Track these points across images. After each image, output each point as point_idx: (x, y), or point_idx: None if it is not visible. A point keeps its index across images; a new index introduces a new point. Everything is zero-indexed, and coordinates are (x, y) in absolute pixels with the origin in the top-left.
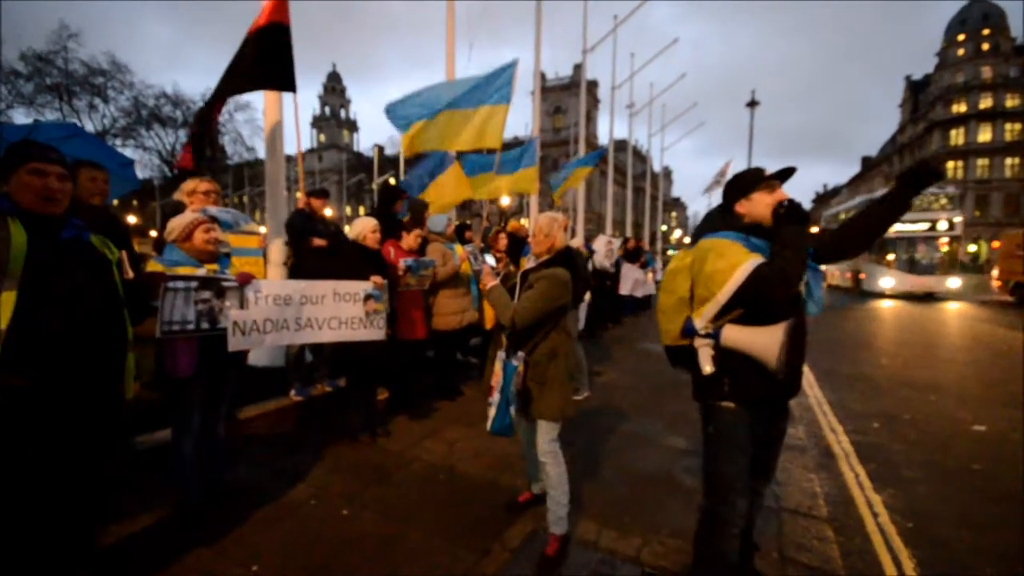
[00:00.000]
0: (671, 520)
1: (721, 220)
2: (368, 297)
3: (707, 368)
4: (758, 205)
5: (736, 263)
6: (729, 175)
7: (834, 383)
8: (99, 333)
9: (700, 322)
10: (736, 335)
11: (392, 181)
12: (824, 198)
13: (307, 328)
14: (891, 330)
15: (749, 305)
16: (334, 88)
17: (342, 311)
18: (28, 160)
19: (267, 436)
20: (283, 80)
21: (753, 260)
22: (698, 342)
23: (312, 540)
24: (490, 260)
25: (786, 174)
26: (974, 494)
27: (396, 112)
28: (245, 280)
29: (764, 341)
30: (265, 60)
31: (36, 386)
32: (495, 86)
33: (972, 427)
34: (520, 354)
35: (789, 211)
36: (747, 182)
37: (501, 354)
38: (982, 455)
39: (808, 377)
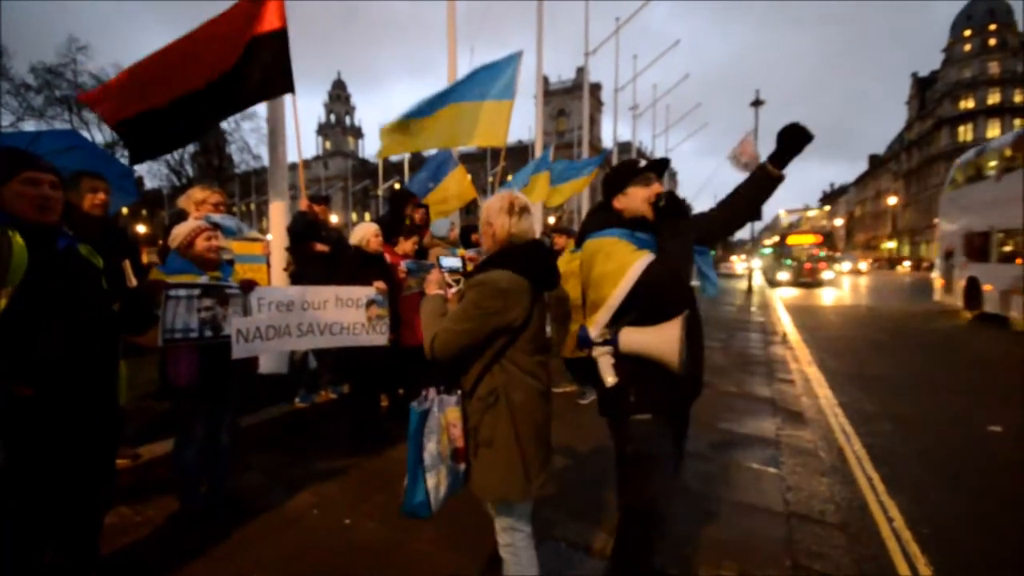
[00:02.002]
0: (679, 527)
1: (604, 217)
2: (371, 303)
3: (609, 379)
4: (634, 199)
5: (625, 263)
6: (748, 151)
7: (845, 385)
8: (95, 341)
9: (594, 330)
10: (634, 338)
11: (397, 186)
12: (831, 197)
13: (310, 334)
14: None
15: (644, 306)
16: (339, 96)
17: (345, 316)
18: (21, 169)
19: (270, 444)
20: (283, 85)
21: (642, 259)
22: (596, 352)
23: (314, 549)
24: (450, 262)
25: (661, 166)
26: (990, 497)
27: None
28: (248, 287)
29: (662, 339)
30: (265, 70)
31: (40, 395)
32: (498, 81)
33: (988, 428)
34: (453, 396)
35: (669, 204)
36: (621, 176)
37: (431, 394)
38: (998, 456)
39: (819, 379)
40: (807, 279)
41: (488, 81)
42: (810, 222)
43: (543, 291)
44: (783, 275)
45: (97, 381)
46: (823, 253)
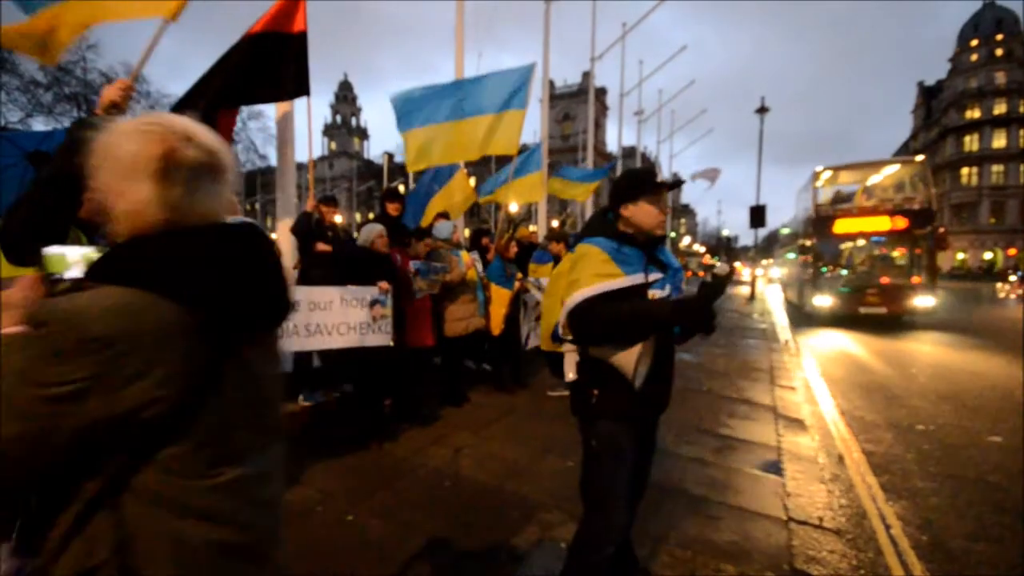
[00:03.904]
0: (680, 530)
1: (599, 224)
2: (375, 302)
3: (569, 375)
4: (643, 214)
5: (593, 274)
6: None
7: (846, 393)
8: None
9: (560, 329)
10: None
11: (401, 188)
12: None
13: (317, 334)
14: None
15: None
16: (345, 97)
17: (350, 316)
18: None
19: None
20: (299, 87)
21: (587, 289)
22: (565, 347)
23: (317, 545)
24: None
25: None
26: (989, 506)
27: (401, 106)
28: None
29: (622, 354)
30: (282, 70)
31: None
32: (511, 91)
33: (988, 438)
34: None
35: (715, 281)
36: (639, 185)
37: None
38: (997, 466)
39: (820, 386)
40: (880, 308)
41: (503, 92)
42: (879, 191)
43: (249, 329)
44: (824, 299)
45: None
46: (904, 259)
